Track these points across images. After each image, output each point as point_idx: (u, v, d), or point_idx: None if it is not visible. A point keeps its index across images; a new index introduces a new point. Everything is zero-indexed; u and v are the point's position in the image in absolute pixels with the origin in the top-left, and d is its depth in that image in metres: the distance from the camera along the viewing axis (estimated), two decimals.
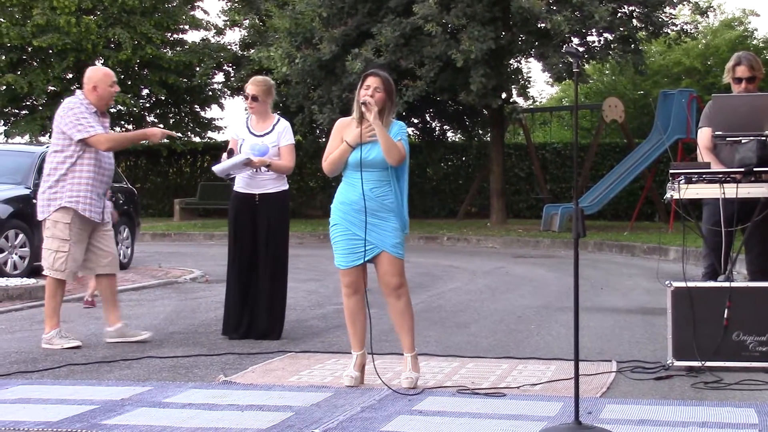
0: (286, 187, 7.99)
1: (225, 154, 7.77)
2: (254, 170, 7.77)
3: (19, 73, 27.05)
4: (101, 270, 7.69)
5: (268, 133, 7.81)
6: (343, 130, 5.95)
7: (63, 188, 7.43)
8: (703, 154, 6.86)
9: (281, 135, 7.81)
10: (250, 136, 7.81)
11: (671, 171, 6.54)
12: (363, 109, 5.80)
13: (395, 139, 5.82)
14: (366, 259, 5.87)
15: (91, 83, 7.58)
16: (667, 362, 6.38)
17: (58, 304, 7.53)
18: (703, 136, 6.91)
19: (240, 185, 7.89)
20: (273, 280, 7.81)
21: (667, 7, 23.03)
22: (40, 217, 7.57)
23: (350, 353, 6.04)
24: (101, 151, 7.49)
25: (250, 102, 7.86)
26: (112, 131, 7.68)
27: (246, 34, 30.88)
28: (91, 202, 7.48)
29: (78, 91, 7.67)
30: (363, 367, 6.00)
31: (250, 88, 7.87)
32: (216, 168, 7.76)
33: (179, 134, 28.46)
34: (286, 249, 7.97)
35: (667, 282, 6.49)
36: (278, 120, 7.93)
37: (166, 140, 7.94)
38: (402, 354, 6.02)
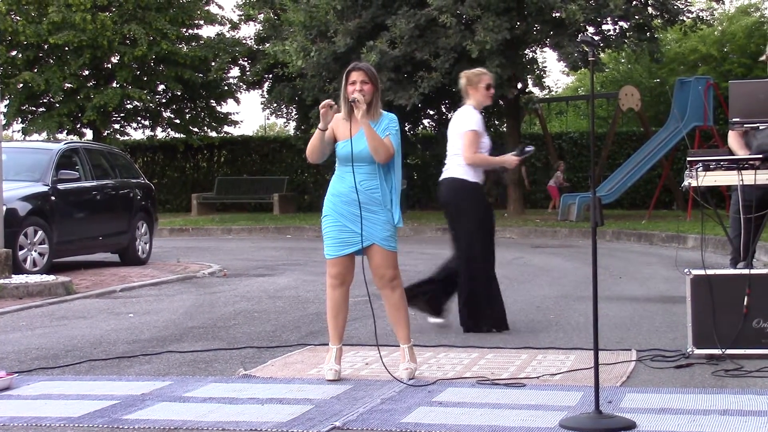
0: None
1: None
2: None
3: (35, 70, 27.16)
4: None
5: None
6: (334, 124, 5.91)
7: None
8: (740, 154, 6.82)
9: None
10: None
11: (689, 159, 6.52)
12: (353, 106, 5.78)
13: (384, 134, 5.82)
14: (355, 249, 5.83)
15: None
16: (687, 350, 6.36)
17: None
18: (731, 140, 6.93)
19: (477, 177, 7.85)
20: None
21: None
22: None
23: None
24: None
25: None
26: None
27: (261, 29, 30.89)
28: None
29: None
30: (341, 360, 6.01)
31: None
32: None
33: None
34: None
35: (686, 270, 6.46)
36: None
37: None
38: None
